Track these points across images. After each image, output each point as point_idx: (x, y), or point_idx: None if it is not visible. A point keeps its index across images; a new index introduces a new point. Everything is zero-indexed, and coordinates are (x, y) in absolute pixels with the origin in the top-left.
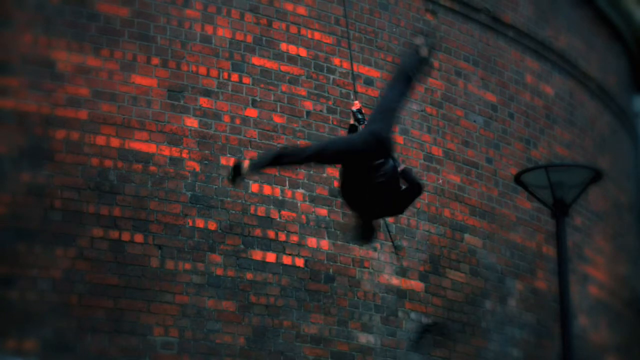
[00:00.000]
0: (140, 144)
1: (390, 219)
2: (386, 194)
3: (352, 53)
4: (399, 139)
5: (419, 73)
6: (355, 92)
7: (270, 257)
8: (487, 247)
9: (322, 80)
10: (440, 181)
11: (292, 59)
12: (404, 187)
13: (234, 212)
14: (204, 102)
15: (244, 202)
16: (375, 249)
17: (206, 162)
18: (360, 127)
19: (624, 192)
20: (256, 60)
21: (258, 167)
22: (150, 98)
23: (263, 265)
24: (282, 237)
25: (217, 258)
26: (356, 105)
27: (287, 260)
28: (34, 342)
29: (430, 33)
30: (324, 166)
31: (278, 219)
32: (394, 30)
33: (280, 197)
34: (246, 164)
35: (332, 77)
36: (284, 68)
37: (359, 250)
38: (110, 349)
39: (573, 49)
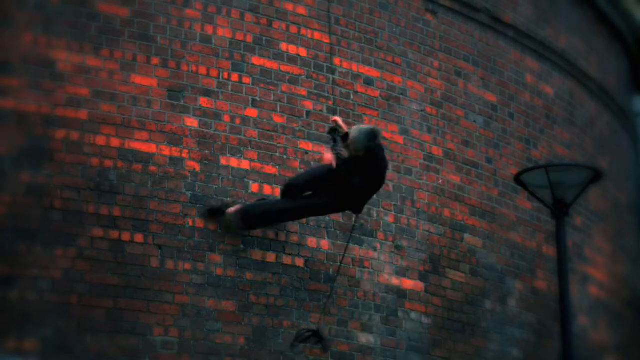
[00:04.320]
0: (140, 144)
1: (389, 219)
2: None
3: (350, 53)
4: (398, 139)
5: None
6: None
7: (270, 257)
8: (487, 247)
9: (322, 80)
10: (440, 181)
11: (292, 59)
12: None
13: None
14: (204, 102)
15: (244, 202)
16: (375, 249)
17: (206, 162)
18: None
19: (624, 192)
20: (256, 60)
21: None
22: (150, 98)
23: (263, 265)
24: (282, 237)
25: (217, 258)
26: (338, 120)
27: (287, 260)
28: (34, 342)
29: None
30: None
31: None
32: (394, 30)
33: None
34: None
35: (332, 77)
36: (284, 68)
37: (359, 250)
38: (110, 349)
39: (573, 49)
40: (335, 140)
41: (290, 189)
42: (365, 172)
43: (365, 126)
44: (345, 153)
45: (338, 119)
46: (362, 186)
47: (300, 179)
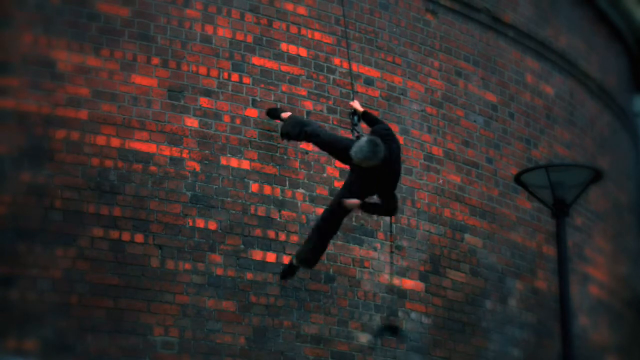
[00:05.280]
0: (141, 144)
1: (390, 219)
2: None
3: (350, 53)
4: (399, 139)
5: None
6: (355, 92)
7: (270, 257)
8: (487, 247)
9: (322, 80)
10: (441, 181)
11: (292, 59)
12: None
13: (234, 212)
14: (204, 102)
15: (244, 202)
16: (375, 249)
17: (206, 162)
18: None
19: (624, 192)
20: (256, 60)
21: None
22: (150, 98)
23: (263, 265)
24: (282, 237)
25: (217, 258)
26: (354, 105)
27: (287, 260)
28: (34, 342)
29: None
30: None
31: (278, 219)
32: (394, 30)
33: (280, 197)
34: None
35: (332, 77)
36: (284, 68)
37: (359, 250)
38: (110, 349)
39: (573, 49)
40: (354, 124)
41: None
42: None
43: (364, 143)
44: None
45: (353, 103)
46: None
47: (323, 132)
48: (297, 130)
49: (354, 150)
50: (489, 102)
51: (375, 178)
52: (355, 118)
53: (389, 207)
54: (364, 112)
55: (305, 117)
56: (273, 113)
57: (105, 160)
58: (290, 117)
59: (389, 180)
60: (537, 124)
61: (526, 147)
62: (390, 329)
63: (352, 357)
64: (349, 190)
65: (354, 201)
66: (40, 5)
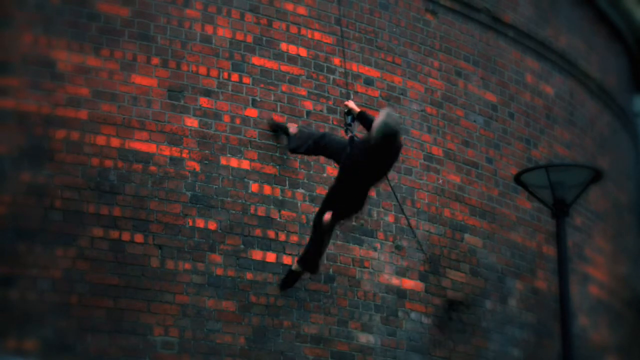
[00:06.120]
0: (140, 144)
1: (390, 219)
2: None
3: (350, 53)
4: None
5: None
6: (352, 91)
7: (270, 257)
8: (487, 247)
9: (322, 80)
10: (440, 181)
11: (292, 59)
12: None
13: (234, 212)
14: (204, 102)
15: (244, 202)
16: (375, 249)
17: (206, 162)
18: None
19: (624, 192)
20: (256, 60)
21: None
22: (150, 98)
23: (263, 265)
24: (282, 237)
25: (217, 258)
26: (349, 104)
27: (287, 260)
28: (34, 342)
29: None
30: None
31: (278, 219)
32: (394, 30)
33: (280, 197)
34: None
35: (332, 77)
36: (284, 68)
37: (359, 250)
38: (110, 349)
39: (573, 49)
40: (349, 124)
41: (305, 136)
42: (372, 159)
43: (389, 118)
44: (360, 135)
45: (349, 102)
46: (361, 161)
47: (317, 135)
48: (306, 146)
49: (378, 127)
50: (489, 102)
51: (370, 172)
52: (350, 118)
53: (357, 207)
54: (360, 113)
55: (311, 128)
56: (278, 129)
57: (105, 160)
58: (299, 131)
59: (382, 172)
60: (537, 124)
61: (526, 147)
62: (456, 304)
63: (352, 357)
64: (336, 193)
65: (327, 216)
66: (40, 5)
